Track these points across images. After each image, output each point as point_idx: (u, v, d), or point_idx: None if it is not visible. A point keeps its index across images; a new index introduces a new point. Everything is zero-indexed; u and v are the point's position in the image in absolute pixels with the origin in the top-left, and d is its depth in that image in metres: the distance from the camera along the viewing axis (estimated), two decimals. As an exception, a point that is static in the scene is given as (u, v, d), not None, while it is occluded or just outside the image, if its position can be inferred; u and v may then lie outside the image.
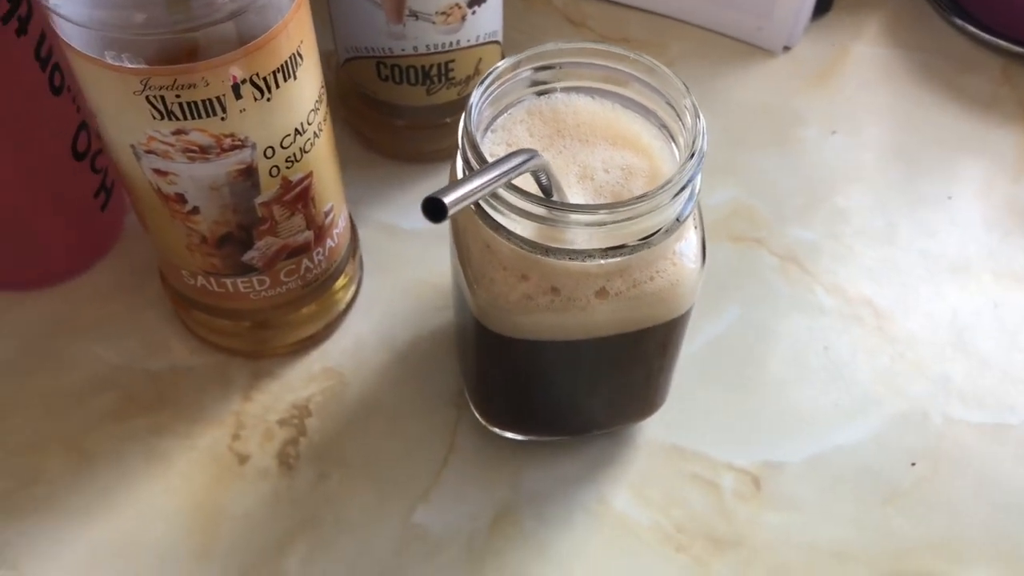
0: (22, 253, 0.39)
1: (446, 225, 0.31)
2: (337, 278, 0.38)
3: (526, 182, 0.27)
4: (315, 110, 0.31)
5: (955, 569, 0.34)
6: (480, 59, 0.41)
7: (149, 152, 0.29)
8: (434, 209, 0.23)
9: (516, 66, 0.29)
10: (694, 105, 0.28)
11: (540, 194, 0.27)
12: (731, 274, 0.42)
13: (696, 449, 0.37)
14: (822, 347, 0.40)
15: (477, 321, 0.30)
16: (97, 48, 0.26)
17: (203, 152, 0.29)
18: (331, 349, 0.39)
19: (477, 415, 0.36)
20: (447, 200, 0.23)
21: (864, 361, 0.39)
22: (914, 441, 0.37)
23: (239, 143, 0.29)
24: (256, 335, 0.38)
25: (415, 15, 0.38)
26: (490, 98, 0.29)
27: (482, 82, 0.29)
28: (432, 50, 0.40)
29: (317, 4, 0.32)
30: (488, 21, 0.40)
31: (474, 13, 0.39)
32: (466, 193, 0.24)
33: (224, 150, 0.29)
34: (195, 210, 0.31)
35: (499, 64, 0.29)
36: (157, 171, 0.30)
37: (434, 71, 0.41)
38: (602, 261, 0.27)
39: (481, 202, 0.27)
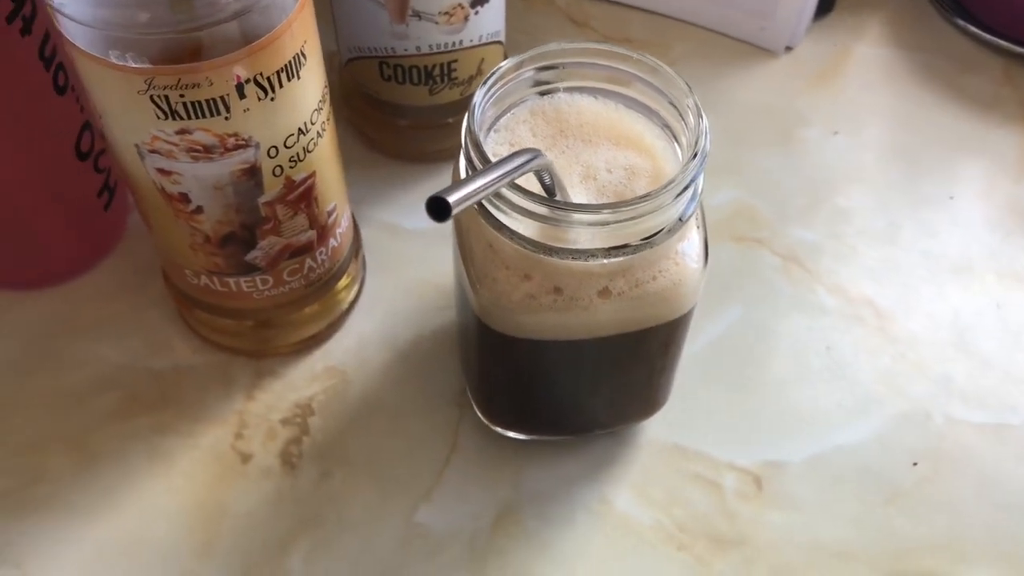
0: (25, 253, 0.39)
1: (448, 225, 0.31)
2: (340, 278, 0.38)
3: (529, 182, 0.27)
4: (318, 110, 0.31)
5: (957, 569, 0.34)
6: (483, 59, 0.41)
7: (153, 152, 0.29)
8: (438, 208, 0.23)
9: (519, 66, 0.30)
10: (697, 105, 0.28)
11: (543, 194, 0.28)
12: (733, 274, 0.42)
13: (698, 449, 0.37)
14: (824, 347, 0.40)
15: (480, 320, 0.30)
16: (101, 48, 0.26)
17: (207, 152, 0.29)
18: (334, 348, 0.39)
19: (479, 414, 0.36)
20: (451, 199, 0.23)
21: (866, 361, 0.39)
22: (916, 441, 0.37)
23: (243, 143, 0.29)
24: (259, 334, 0.38)
25: (418, 15, 0.38)
26: (493, 98, 0.29)
27: (485, 82, 0.29)
28: (435, 50, 0.40)
29: (320, 4, 0.32)
30: (491, 21, 0.40)
31: (477, 13, 0.39)
32: (469, 193, 0.24)
33: (228, 150, 0.29)
34: (199, 209, 0.31)
35: (502, 64, 0.29)
36: (161, 171, 0.30)
37: (437, 71, 0.41)
38: (605, 261, 0.27)
39: (484, 202, 0.27)
